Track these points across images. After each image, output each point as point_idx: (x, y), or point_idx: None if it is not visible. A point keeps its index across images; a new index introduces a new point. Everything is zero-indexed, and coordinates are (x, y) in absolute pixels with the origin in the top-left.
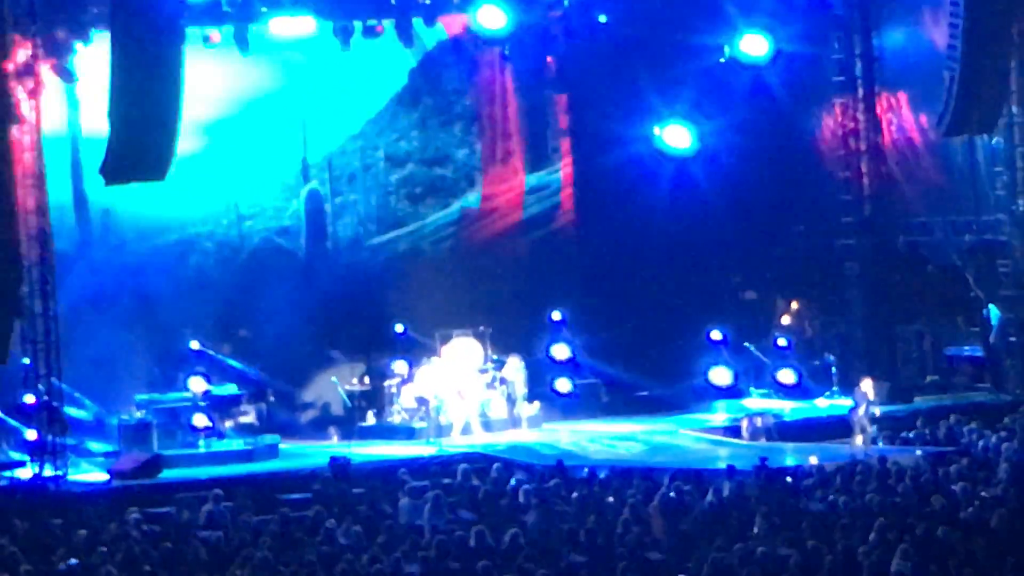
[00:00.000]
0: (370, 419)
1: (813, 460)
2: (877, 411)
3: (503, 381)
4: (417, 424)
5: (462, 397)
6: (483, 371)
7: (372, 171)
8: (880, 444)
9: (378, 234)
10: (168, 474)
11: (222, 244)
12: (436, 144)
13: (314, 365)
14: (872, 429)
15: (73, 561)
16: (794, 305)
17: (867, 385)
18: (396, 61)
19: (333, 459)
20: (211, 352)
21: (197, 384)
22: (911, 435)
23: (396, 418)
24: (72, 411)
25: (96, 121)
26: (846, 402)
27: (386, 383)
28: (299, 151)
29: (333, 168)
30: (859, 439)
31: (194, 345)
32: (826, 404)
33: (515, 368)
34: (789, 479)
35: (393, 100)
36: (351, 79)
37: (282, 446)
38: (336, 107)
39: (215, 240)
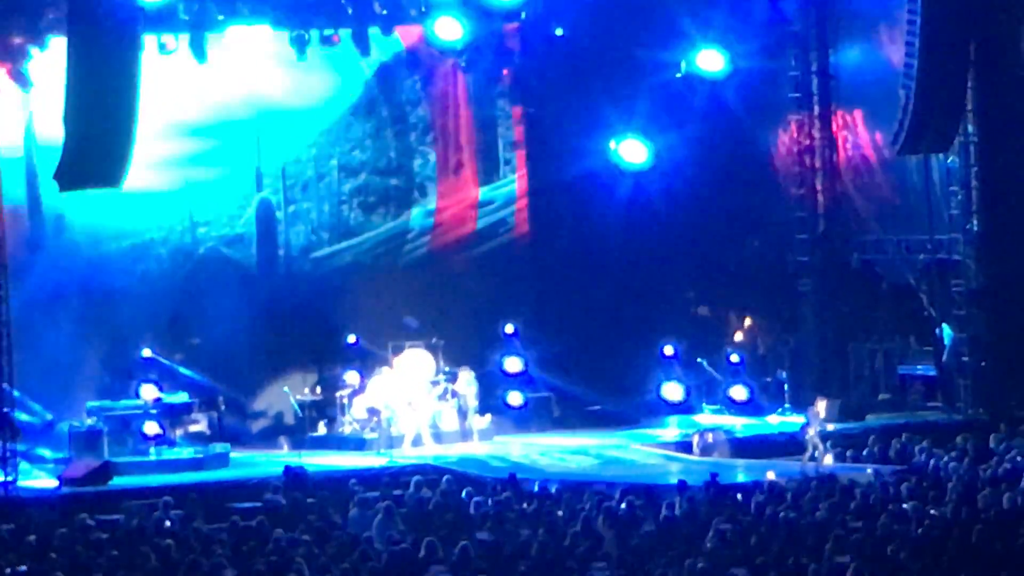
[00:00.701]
0: (321, 429)
1: (771, 475)
2: (830, 426)
3: (455, 394)
4: (368, 435)
5: (413, 409)
6: (435, 383)
7: (326, 180)
8: (831, 462)
9: (330, 243)
10: (118, 481)
11: (175, 251)
12: (390, 154)
13: (265, 374)
14: (823, 447)
15: (22, 568)
16: (747, 321)
17: (821, 405)
18: (351, 71)
19: (288, 468)
20: (163, 360)
21: (148, 392)
22: (863, 453)
23: (347, 428)
24: (22, 416)
25: (51, 126)
26: (798, 419)
27: (338, 393)
28: (254, 159)
29: (287, 176)
30: (810, 457)
31: (146, 352)
32: (778, 421)
33: (466, 381)
34: (739, 495)
35: (348, 110)
36: (307, 88)
37: (233, 455)
38: (291, 116)
39: (169, 246)
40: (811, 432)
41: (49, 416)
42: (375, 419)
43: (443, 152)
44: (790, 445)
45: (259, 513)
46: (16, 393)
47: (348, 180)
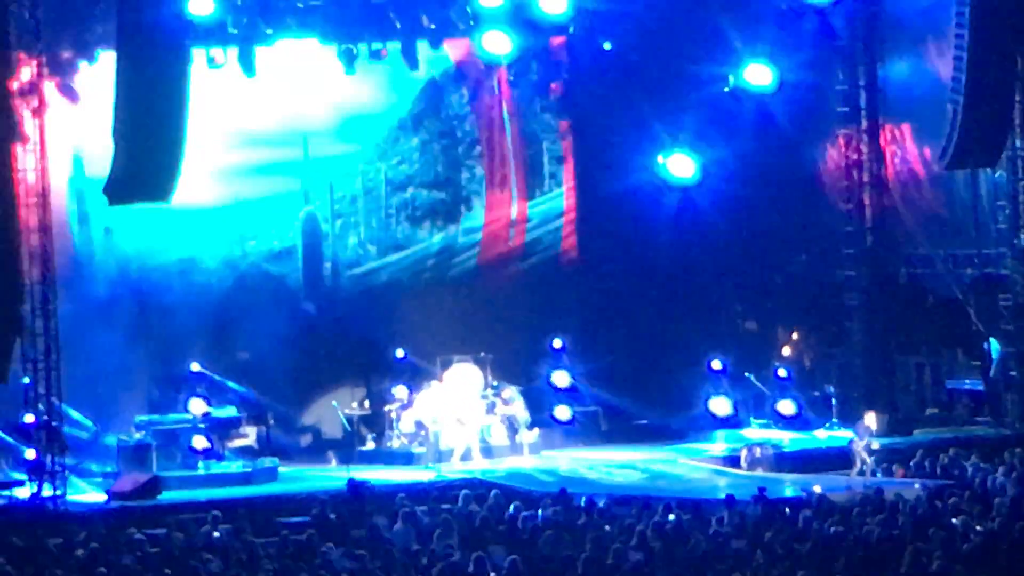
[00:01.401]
0: (369, 444)
1: (817, 489)
2: (876, 444)
3: (506, 403)
4: (416, 449)
5: (462, 423)
6: (483, 397)
7: (373, 194)
8: (878, 476)
9: (378, 256)
10: (167, 495)
11: (224, 264)
12: (437, 168)
13: (314, 388)
14: (871, 461)
15: None
16: (795, 336)
17: (870, 419)
18: (399, 84)
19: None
20: (211, 374)
21: (197, 406)
22: (911, 467)
23: (395, 443)
24: (69, 430)
25: (100, 140)
26: (846, 434)
27: (386, 408)
28: (301, 173)
29: (335, 190)
30: (858, 471)
31: (194, 367)
32: (825, 435)
33: (512, 398)
34: (788, 510)
35: (396, 124)
36: (354, 102)
37: (281, 469)
38: (339, 130)
39: (217, 260)
40: (859, 446)
41: (94, 428)
42: (423, 433)
43: (489, 166)
44: (838, 459)
45: (308, 527)
46: (65, 407)
47: (395, 194)
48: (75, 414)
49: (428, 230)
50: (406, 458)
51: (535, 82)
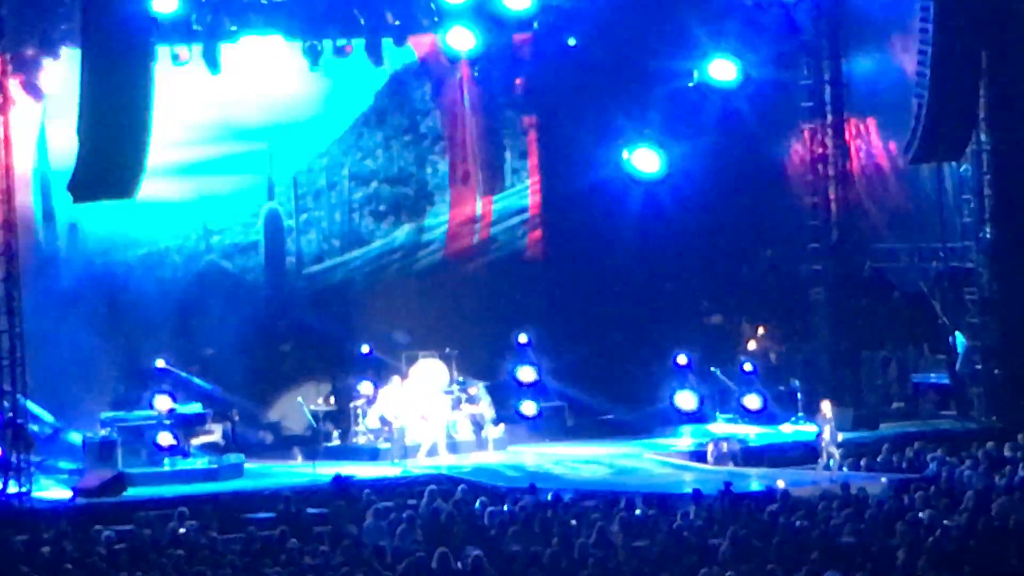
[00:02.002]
0: (335, 439)
1: (780, 484)
2: (840, 436)
3: (471, 400)
4: (382, 445)
5: (426, 419)
6: (448, 392)
7: (337, 188)
8: (845, 470)
9: (342, 251)
10: (132, 492)
11: (190, 259)
12: (400, 163)
13: (279, 384)
14: (838, 454)
15: None
16: (760, 330)
17: (826, 407)
18: (362, 80)
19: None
20: (176, 370)
21: (162, 402)
22: (877, 461)
23: (361, 439)
24: (30, 426)
25: (64, 137)
26: (811, 428)
27: (351, 403)
28: (266, 168)
29: (299, 185)
30: (824, 466)
31: (160, 363)
32: (791, 430)
33: (478, 395)
34: (753, 504)
35: (359, 119)
36: (318, 97)
37: (247, 465)
38: (302, 125)
39: (183, 255)
40: (826, 440)
41: (56, 423)
42: (388, 429)
43: (453, 161)
44: (804, 454)
45: (273, 524)
46: (29, 404)
47: (359, 189)
48: (36, 409)
49: (391, 225)
50: (372, 454)
51: (499, 78)
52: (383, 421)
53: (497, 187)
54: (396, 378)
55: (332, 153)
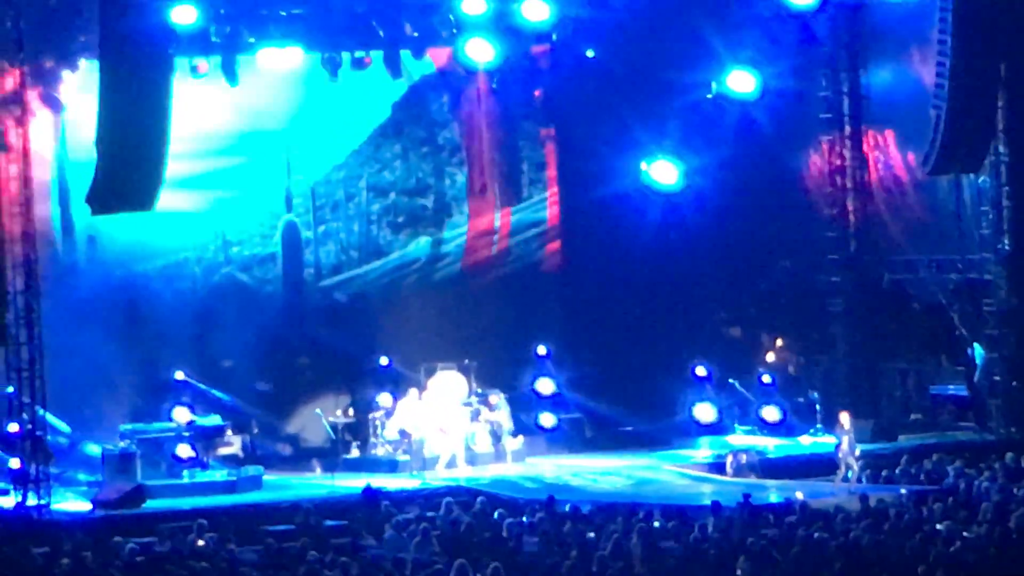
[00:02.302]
0: (354, 451)
1: (799, 495)
2: (858, 448)
3: (491, 408)
4: (400, 457)
5: (445, 431)
6: (467, 404)
7: (355, 200)
8: (864, 482)
9: (360, 263)
10: (152, 504)
11: (209, 270)
12: (418, 175)
13: (298, 396)
14: (856, 466)
15: None
16: (779, 342)
17: (845, 419)
18: (381, 92)
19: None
20: (195, 382)
21: (181, 414)
22: (896, 473)
23: (380, 451)
24: (48, 437)
25: (82, 148)
26: (830, 440)
27: (370, 415)
28: (284, 179)
29: (316, 197)
30: (842, 477)
31: (179, 375)
32: (810, 441)
33: (498, 404)
34: (772, 516)
35: (377, 131)
36: (337, 109)
37: (266, 477)
38: (321, 137)
39: (203, 265)
40: (844, 451)
41: (71, 433)
42: (407, 441)
43: (471, 173)
44: (823, 465)
45: (292, 536)
46: (48, 416)
47: (377, 200)
48: (52, 419)
49: (409, 236)
50: (391, 466)
51: (517, 89)
52: (402, 433)
53: (515, 199)
54: (414, 390)
55: (350, 164)
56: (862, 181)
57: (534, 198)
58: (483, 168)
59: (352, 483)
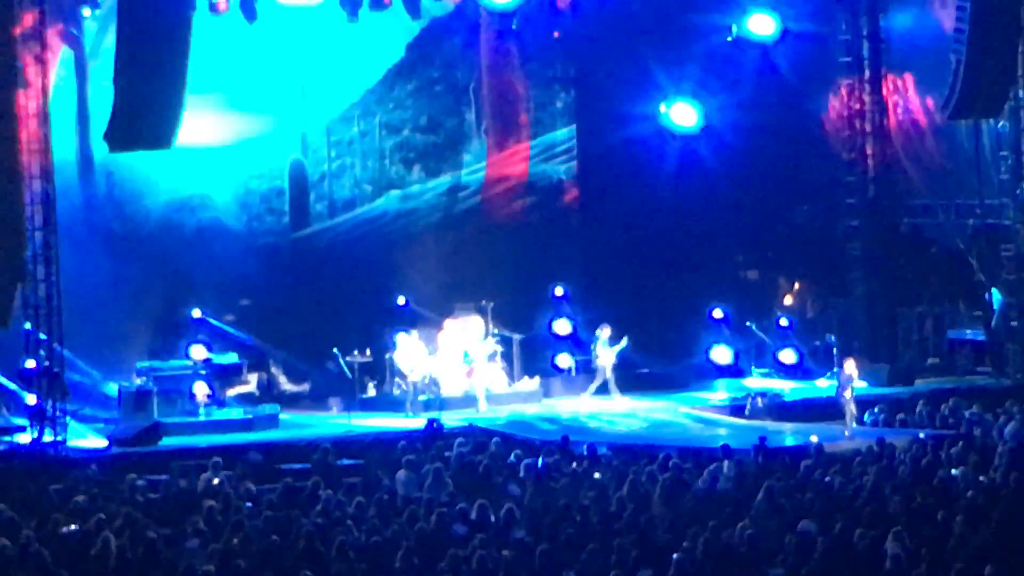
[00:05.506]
0: (371, 391)
1: (814, 439)
2: (860, 383)
3: (505, 353)
4: (419, 397)
5: (463, 371)
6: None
7: (369, 136)
8: (864, 425)
9: (373, 197)
10: (168, 442)
11: (227, 205)
12: (430, 113)
13: (315, 335)
14: (854, 411)
15: (71, 527)
16: (796, 285)
17: (850, 366)
18: (396, 31)
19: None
20: (213, 320)
21: (198, 352)
22: (912, 417)
23: (397, 390)
24: (72, 376)
25: (101, 85)
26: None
27: (387, 355)
28: (299, 117)
29: (331, 133)
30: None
31: (196, 313)
32: (827, 384)
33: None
34: (788, 459)
35: (392, 69)
36: (353, 48)
37: (282, 416)
38: (336, 75)
39: (222, 200)
40: (846, 396)
41: (97, 375)
42: (424, 380)
43: (488, 112)
44: (838, 409)
45: (307, 475)
46: (66, 353)
47: (390, 137)
48: (81, 363)
49: (423, 171)
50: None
51: (537, 30)
52: (398, 373)
53: (532, 139)
54: (415, 332)
55: (366, 102)
56: (881, 125)
57: (553, 138)
58: (501, 108)
59: (368, 423)
